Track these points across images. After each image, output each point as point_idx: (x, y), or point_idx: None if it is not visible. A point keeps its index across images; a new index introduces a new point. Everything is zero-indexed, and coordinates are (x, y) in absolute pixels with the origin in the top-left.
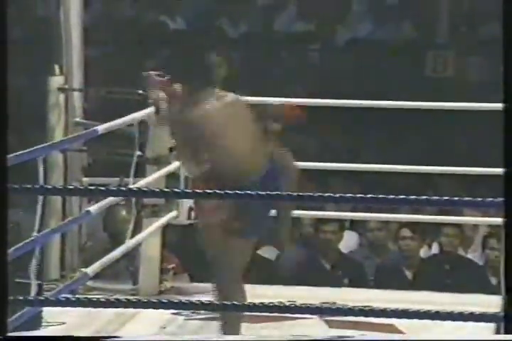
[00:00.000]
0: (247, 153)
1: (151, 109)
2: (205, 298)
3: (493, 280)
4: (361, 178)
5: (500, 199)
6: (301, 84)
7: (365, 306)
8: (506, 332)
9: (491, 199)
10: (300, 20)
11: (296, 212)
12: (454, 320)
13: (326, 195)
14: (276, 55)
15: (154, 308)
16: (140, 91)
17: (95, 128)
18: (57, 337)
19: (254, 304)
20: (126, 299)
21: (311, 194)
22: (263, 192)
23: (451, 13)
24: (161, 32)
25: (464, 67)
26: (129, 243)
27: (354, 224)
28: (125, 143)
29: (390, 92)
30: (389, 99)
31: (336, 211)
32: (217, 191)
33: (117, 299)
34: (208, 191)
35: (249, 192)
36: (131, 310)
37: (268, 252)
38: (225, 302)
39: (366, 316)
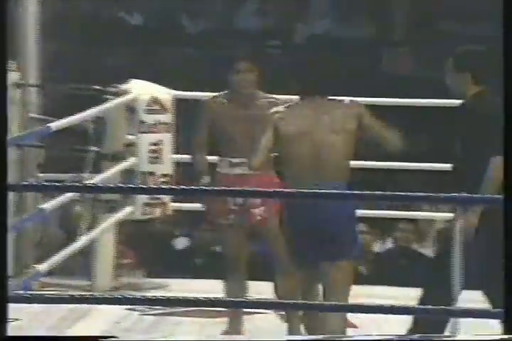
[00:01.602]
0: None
1: (109, 105)
2: (160, 293)
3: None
4: None
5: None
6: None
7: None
8: (506, 332)
9: (490, 196)
10: (259, 17)
11: None
12: (410, 314)
13: (287, 191)
14: (236, 52)
15: (109, 304)
16: (97, 87)
17: (50, 124)
18: (57, 337)
19: (209, 299)
20: (80, 295)
21: (278, 190)
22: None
23: (408, 11)
24: (119, 28)
25: (421, 64)
26: (84, 239)
27: None
28: (82, 139)
29: (347, 89)
30: (346, 95)
31: None
32: (174, 186)
33: (71, 295)
34: (165, 187)
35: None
36: (85, 306)
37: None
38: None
39: (321, 311)
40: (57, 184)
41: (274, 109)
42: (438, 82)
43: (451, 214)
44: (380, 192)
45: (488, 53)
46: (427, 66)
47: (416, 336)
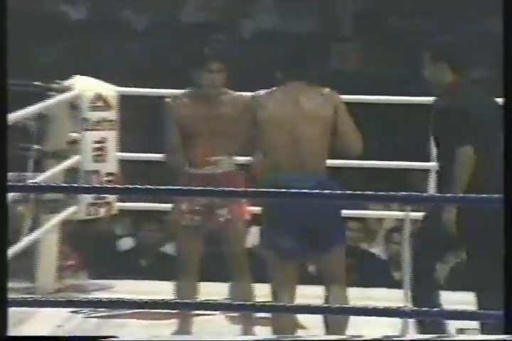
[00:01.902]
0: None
1: (51, 101)
2: (105, 295)
3: (396, 275)
4: None
5: (499, 195)
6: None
7: (267, 301)
8: (506, 332)
9: (487, 196)
10: (204, 11)
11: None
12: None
13: (250, 190)
14: (181, 47)
15: (51, 307)
16: (39, 83)
17: None
18: (57, 337)
19: (154, 301)
20: (22, 298)
21: (245, 189)
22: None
23: (356, 6)
24: (59, 22)
25: (369, 60)
26: (26, 240)
27: None
28: (23, 136)
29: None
30: None
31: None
32: (119, 186)
33: (12, 298)
34: (113, 186)
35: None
36: (27, 309)
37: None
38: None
39: (269, 312)
40: (55, 185)
41: (254, 94)
42: (386, 78)
43: (400, 213)
44: (362, 192)
45: (460, 44)
46: (375, 62)
47: (415, 336)
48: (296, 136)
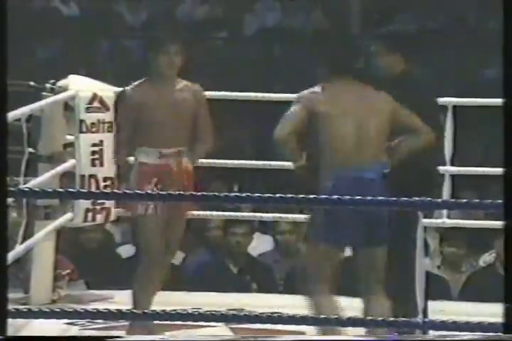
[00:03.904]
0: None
1: (45, 102)
2: (102, 306)
3: None
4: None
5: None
6: (208, 75)
7: (273, 312)
8: (506, 332)
9: (490, 201)
10: (204, 7)
11: (203, 213)
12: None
13: (233, 194)
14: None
15: (46, 318)
16: (32, 83)
17: None
18: (58, 337)
19: (155, 312)
20: (15, 309)
21: (216, 194)
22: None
23: (363, 3)
24: (52, 18)
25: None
26: (20, 248)
27: (264, 227)
28: (15, 139)
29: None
30: (298, 90)
31: (244, 212)
32: (115, 191)
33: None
34: (111, 191)
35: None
36: (21, 321)
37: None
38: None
39: (274, 323)
40: (52, 190)
41: (307, 91)
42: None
43: None
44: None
45: (411, 33)
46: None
47: (414, 336)
48: (359, 130)
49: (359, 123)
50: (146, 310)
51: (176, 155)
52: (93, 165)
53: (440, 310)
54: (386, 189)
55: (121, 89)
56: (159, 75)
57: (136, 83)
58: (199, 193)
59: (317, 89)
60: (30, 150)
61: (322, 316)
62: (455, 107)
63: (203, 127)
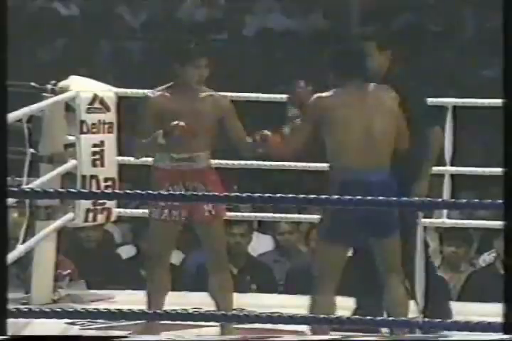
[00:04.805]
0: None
1: (46, 103)
2: (103, 306)
3: (408, 285)
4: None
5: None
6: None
7: (273, 312)
8: (506, 332)
9: (489, 201)
10: (205, 8)
11: None
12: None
13: (233, 194)
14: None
15: (47, 318)
16: (33, 84)
17: None
18: (61, 336)
19: (155, 312)
20: (16, 308)
21: (216, 194)
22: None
23: (363, 4)
24: (53, 19)
25: None
26: (20, 248)
27: (263, 226)
28: (16, 139)
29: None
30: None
31: (243, 212)
32: (116, 191)
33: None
34: (107, 191)
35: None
36: (21, 320)
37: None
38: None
39: (275, 323)
40: (53, 190)
41: (316, 96)
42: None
43: None
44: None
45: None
46: None
47: (415, 336)
48: (368, 134)
49: (368, 127)
50: (146, 310)
51: (189, 160)
52: (94, 165)
53: None
54: (394, 190)
55: (121, 89)
56: (186, 85)
57: (160, 88)
58: (199, 193)
59: (325, 94)
60: (31, 150)
61: (322, 316)
62: (455, 107)
63: (233, 130)
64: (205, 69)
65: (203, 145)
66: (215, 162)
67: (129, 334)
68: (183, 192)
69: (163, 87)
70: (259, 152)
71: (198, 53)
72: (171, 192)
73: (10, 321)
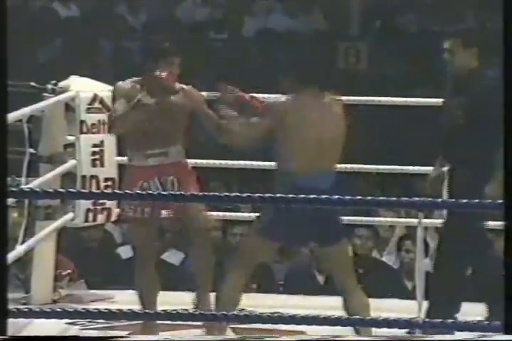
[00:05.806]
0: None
1: (46, 103)
2: (103, 306)
3: (408, 285)
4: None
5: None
6: (208, 77)
7: (273, 312)
8: (506, 333)
9: (489, 201)
10: (205, 8)
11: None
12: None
13: (234, 194)
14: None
15: (47, 318)
16: (33, 84)
17: None
18: (61, 337)
19: (155, 312)
20: (16, 308)
21: (216, 194)
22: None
23: (363, 5)
24: (53, 19)
25: (377, 60)
26: (20, 248)
27: None
28: (15, 139)
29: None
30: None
31: (243, 212)
32: (116, 191)
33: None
34: (107, 191)
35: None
36: (22, 320)
37: (172, 257)
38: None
39: (275, 323)
40: (53, 190)
41: (276, 100)
42: (392, 78)
43: (413, 220)
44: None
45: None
46: (382, 62)
47: (415, 336)
48: (320, 140)
49: (321, 134)
50: (146, 310)
51: (162, 155)
52: (94, 165)
53: None
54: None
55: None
56: (157, 80)
57: (132, 80)
58: (199, 193)
59: (285, 99)
60: (32, 150)
61: (322, 316)
62: None
63: (206, 117)
64: (177, 67)
65: (175, 140)
66: (214, 162)
67: (129, 334)
68: (183, 192)
69: (134, 79)
70: (230, 128)
71: (172, 52)
72: (171, 192)
73: (10, 321)
